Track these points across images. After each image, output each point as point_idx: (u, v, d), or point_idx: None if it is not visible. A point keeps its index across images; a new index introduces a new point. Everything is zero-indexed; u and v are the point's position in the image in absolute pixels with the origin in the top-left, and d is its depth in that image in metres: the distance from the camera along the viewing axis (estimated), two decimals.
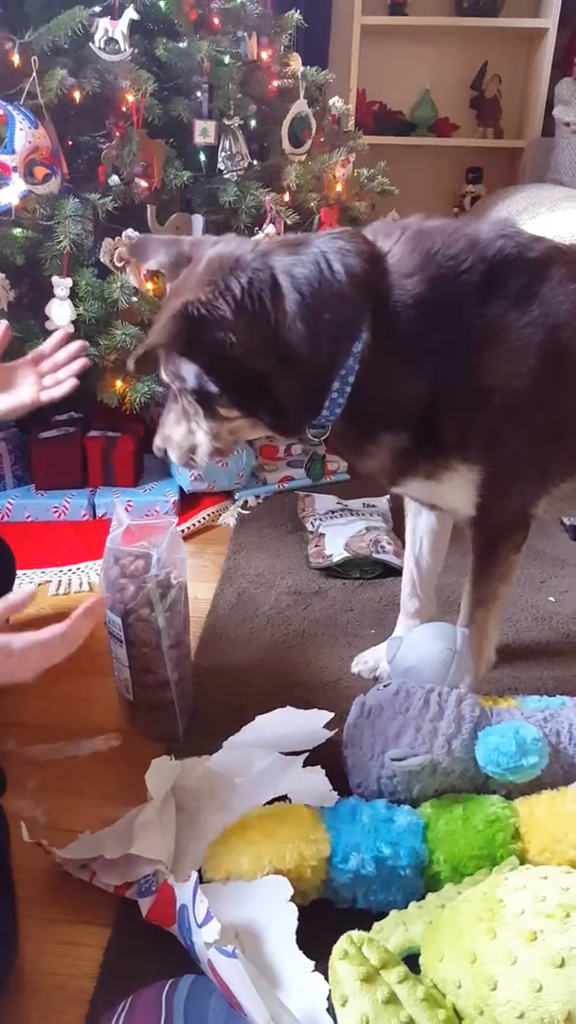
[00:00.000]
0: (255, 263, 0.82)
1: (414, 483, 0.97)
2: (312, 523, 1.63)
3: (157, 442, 0.99)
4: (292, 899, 0.75)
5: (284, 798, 0.89)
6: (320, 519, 1.64)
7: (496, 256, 0.87)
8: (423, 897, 0.79)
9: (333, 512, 1.67)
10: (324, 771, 0.90)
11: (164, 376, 0.91)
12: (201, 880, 0.78)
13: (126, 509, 1.68)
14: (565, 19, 2.56)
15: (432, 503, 1.04)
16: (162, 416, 0.97)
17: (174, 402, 0.94)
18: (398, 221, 0.92)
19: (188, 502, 1.76)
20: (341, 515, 1.65)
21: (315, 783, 0.88)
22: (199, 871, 0.80)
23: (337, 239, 0.86)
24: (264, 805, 0.87)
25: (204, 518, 1.73)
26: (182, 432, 0.94)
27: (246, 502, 1.80)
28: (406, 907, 0.78)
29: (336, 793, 0.87)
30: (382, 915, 0.78)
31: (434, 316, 0.85)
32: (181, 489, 1.77)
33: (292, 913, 0.73)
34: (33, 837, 0.84)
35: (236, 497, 1.81)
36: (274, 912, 0.74)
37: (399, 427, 0.90)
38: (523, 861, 0.80)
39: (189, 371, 0.85)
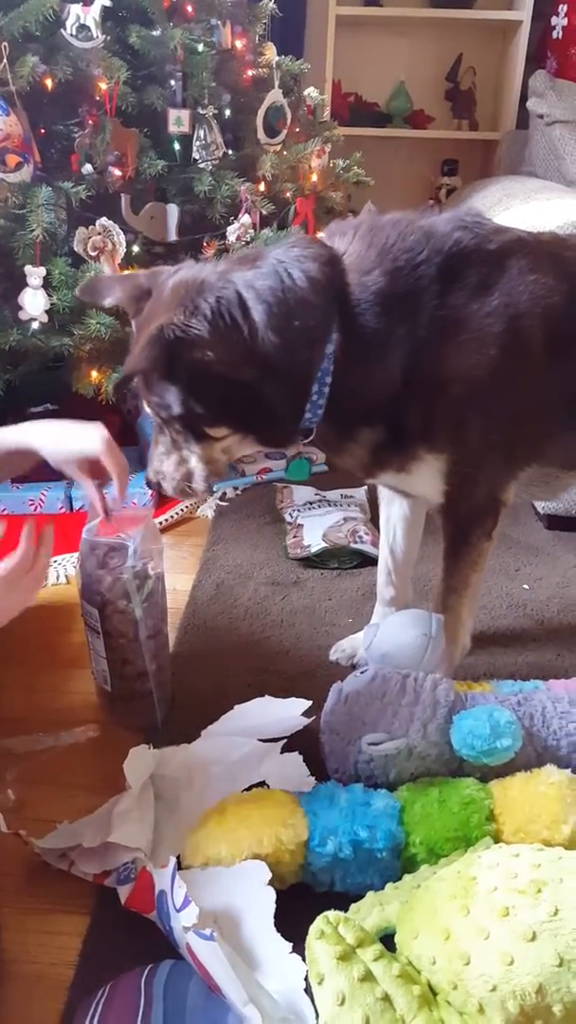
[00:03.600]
0: (218, 283, 0.84)
1: (388, 475, 0.99)
2: (290, 514, 1.64)
3: (149, 476, 0.99)
4: (270, 883, 0.76)
5: (262, 784, 0.90)
6: (298, 510, 1.64)
7: (453, 248, 0.89)
8: (400, 879, 0.80)
9: (311, 503, 1.68)
10: (302, 757, 0.91)
11: (147, 408, 0.91)
12: (180, 866, 0.79)
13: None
14: (539, 11, 2.57)
15: (405, 491, 1.05)
16: (150, 451, 0.98)
17: (160, 434, 0.94)
18: (351, 220, 0.94)
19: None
20: (319, 506, 1.66)
21: (293, 769, 0.89)
22: (178, 858, 0.80)
23: (292, 247, 0.88)
24: (242, 791, 0.87)
25: (182, 510, 1.72)
26: (173, 463, 0.95)
27: (224, 494, 1.80)
28: (383, 889, 0.79)
29: (313, 778, 0.88)
30: (359, 898, 0.79)
31: (396, 309, 0.87)
32: None
33: (270, 897, 0.74)
34: (11, 827, 0.84)
35: (214, 489, 1.81)
36: (252, 896, 0.75)
37: (375, 421, 0.92)
38: (497, 842, 0.82)
39: (173, 397, 0.86)
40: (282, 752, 0.93)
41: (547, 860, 0.67)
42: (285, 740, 0.94)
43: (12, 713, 1.10)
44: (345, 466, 1.00)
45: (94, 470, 1.01)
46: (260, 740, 0.94)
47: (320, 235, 0.94)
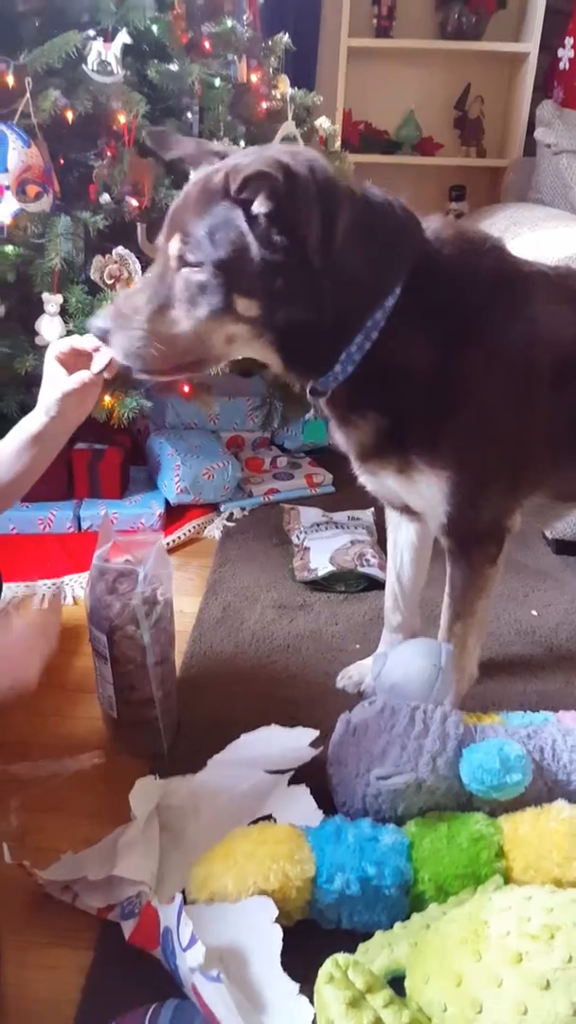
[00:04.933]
0: (329, 169, 0.82)
1: (386, 474, 0.96)
2: (297, 536, 1.64)
3: (99, 322, 0.83)
4: (277, 920, 0.75)
5: (269, 817, 0.89)
6: (305, 532, 1.64)
7: (503, 254, 0.92)
8: (408, 917, 0.79)
9: (318, 525, 1.68)
10: (309, 789, 0.91)
11: (179, 244, 0.81)
12: (185, 901, 0.78)
13: (111, 521, 1.67)
14: (546, 43, 2.62)
15: (405, 504, 1.03)
16: (120, 294, 0.88)
17: (158, 282, 0.82)
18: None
19: (173, 514, 1.76)
20: (326, 528, 1.66)
21: (300, 802, 0.88)
22: (183, 892, 0.79)
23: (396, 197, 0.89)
24: (249, 825, 0.86)
25: (190, 530, 1.73)
26: (150, 310, 0.81)
27: (231, 514, 1.80)
28: (391, 927, 0.78)
29: (321, 812, 0.87)
30: (367, 936, 0.78)
31: (458, 285, 0.87)
32: (167, 501, 1.77)
33: (277, 935, 0.73)
34: (15, 858, 0.83)
35: (222, 509, 1.81)
36: (259, 934, 0.74)
37: (387, 409, 0.91)
38: (507, 879, 0.81)
39: (229, 234, 0.77)
40: (289, 784, 0.92)
41: (560, 904, 0.66)
42: (292, 772, 0.93)
43: (16, 738, 1.09)
44: (345, 446, 0.97)
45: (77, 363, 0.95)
46: (267, 771, 0.94)
47: None
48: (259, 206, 0.77)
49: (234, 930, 0.75)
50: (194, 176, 0.86)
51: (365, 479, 1.02)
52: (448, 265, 0.87)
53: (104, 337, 0.84)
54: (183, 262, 0.81)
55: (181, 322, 0.82)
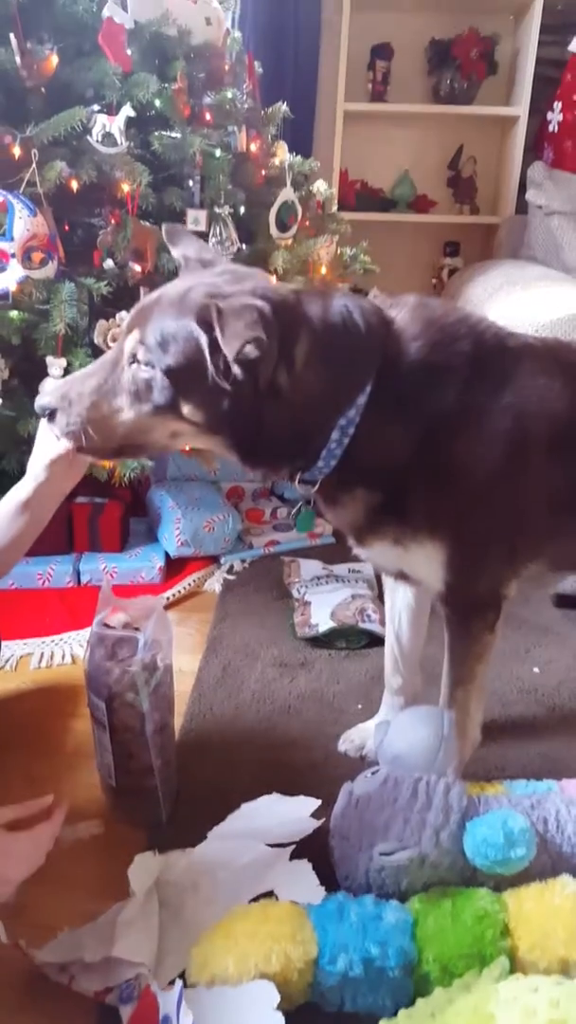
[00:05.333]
0: (291, 301, 0.85)
1: (381, 546, 0.97)
2: (298, 590, 1.64)
3: (44, 400, 0.87)
4: (278, 1006, 0.73)
5: (271, 893, 0.87)
6: (306, 586, 1.64)
7: (483, 335, 0.93)
8: (412, 1000, 0.77)
9: (319, 578, 1.68)
10: (311, 864, 0.89)
11: (135, 341, 0.84)
12: (185, 982, 0.76)
13: (111, 576, 1.68)
14: (535, 107, 2.74)
15: (400, 572, 1.04)
16: (72, 375, 0.89)
17: (111, 370, 0.86)
18: (397, 297, 0.95)
19: (174, 567, 1.77)
20: (327, 581, 1.66)
21: (302, 878, 0.86)
22: (182, 974, 0.78)
23: (355, 297, 0.91)
24: (250, 902, 0.85)
25: (190, 584, 1.73)
26: (95, 397, 0.85)
27: (232, 567, 1.81)
28: (395, 1010, 0.76)
29: (323, 888, 0.86)
30: (371, 1018, 0.76)
31: (431, 378, 0.89)
32: (167, 554, 1.77)
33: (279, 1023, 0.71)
34: (10, 937, 0.81)
35: (222, 561, 1.81)
36: (260, 1022, 0.72)
37: (376, 486, 0.92)
38: (513, 958, 0.79)
39: (188, 348, 0.80)
40: (291, 856, 0.91)
41: (566, 995, 0.65)
42: (294, 846, 0.92)
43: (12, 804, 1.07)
44: (337, 524, 0.98)
45: None
46: (268, 844, 0.92)
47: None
48: (246, 352, 0.78)
49: (234, 1017, 0.73)
50: (177, 281, 0.90)
51: (360, 551, 1.03)
52: (416, 358, 0.88)
53: (45, 413, 0.88)
54: (135, 359, 0.85)
55: (124, 412, 0.86)
